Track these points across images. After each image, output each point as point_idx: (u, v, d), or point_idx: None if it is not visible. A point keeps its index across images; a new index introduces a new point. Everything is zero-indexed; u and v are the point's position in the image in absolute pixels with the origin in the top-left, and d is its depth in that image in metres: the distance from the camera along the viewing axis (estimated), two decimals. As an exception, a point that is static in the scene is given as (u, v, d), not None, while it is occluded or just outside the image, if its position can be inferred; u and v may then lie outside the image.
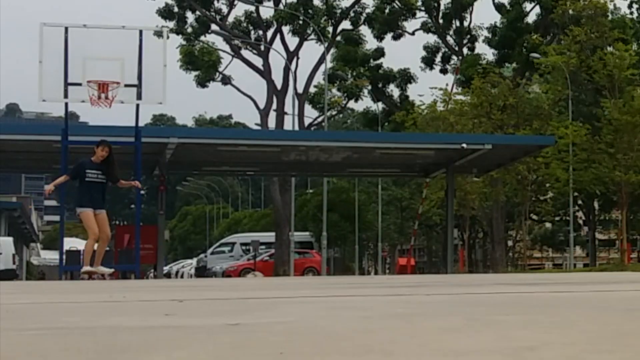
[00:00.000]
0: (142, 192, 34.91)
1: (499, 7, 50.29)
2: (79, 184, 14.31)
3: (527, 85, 45.08)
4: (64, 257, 20.11)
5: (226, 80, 48.65)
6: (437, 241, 66.33)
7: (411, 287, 6.18)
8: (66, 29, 16.61)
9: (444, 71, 52.52)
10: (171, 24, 47.60)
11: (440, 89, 43.13)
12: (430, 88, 43.42)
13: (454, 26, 51.00)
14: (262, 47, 47.82)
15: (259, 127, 48.22)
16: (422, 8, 50.43)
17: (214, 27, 48.16)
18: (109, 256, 26.75)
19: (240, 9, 57.66)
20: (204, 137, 27.02)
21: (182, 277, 55.90)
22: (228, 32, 47.62)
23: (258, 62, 47.89)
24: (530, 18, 49.74)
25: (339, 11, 49.09)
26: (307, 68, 49.03)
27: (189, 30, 48.64)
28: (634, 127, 35.05)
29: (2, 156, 25.22)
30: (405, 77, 52.39)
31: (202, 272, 50.03)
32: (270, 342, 2.29)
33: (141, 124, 19.34)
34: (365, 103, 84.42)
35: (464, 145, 25.73)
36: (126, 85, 16.86)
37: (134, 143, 18.79)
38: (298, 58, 47.82)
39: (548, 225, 72.83)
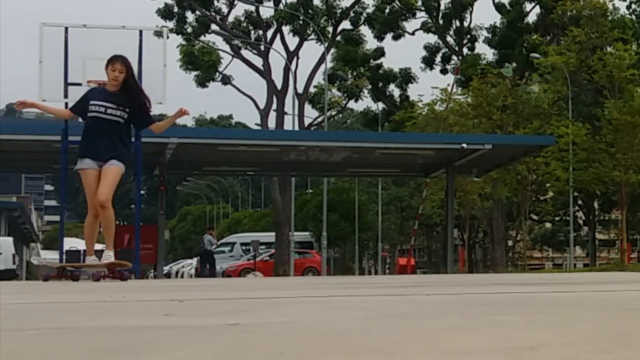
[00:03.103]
0: (142, 192, 34.89)
1: (499, 7, 50.32)
2: None
3: (527, 85, 45.12)
4: (64, 257, 20.07)
5: (226, 80, 48.66)
6: (437, 241, 66.34)
7: (411, 287, 6.17)
8: (66, 29, 16.61)
9: (444, 71, 52.57)
10: (171, 24, 47.62)
11: (441, 89, 43.21)
12: (431, 88, 43.50)
13: (454, 26, 51.03)
14: (262, 47, 47.84)
15: (259, 127, 48.25)
16: (422, 8, 50.47)
17: (214, 27, 48.17)
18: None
19: (240, 9, 57.78)
20: (204, 137, 27.02)
21: (182, 277, 55.88)
22: (228, 32, 47.63)
23: (258, 62, 47.96)
24: (530, 18, 49.83)
25: (339, 11, 49.12)
26: (307, 68, 49.12)
27: (189, 30, 48.65)
28: (634, 127, 35.07)
29: (2, 156, 25.22)
30: (405, 77, 52.43)
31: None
32: (270, 342, 2.29)
33: (141, 124, 19.30)
34: (365, 103, 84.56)
35: (464, 145, 25.73)
36: (126, 85, 16.87)
37: (134, 143, 18.79)
38: (298, 58, 47.87)
39: (548, 225, 72.86)
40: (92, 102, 9.77)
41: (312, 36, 47.98)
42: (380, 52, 52.10)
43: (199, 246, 36.89)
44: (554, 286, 5.99)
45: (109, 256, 9.81)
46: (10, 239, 35.17)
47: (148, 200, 68.28)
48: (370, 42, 52.15)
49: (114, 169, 9.65)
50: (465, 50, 50.95)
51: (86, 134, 9.83)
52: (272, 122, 47.58)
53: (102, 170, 9.64)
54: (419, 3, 50.14)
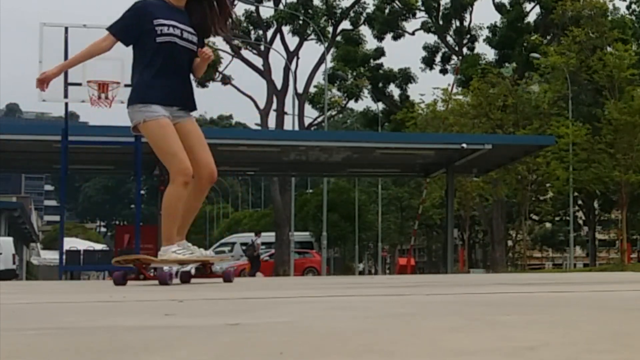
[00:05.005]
0: (142, 192, 34.97)
1: (499, 7, 50.35)
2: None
3: (527, 85, 45.16)
4: (64, 257, 20.08)
5: (226, 80, 48.66)
6: (437, 241, 66.37)
7: (411, 287, 6.17)
8: (66, 29, 16.61)
9: (444, 71, 52.61)
10: (171, 24, 47.58)
11: (442, 89, 43.25)
12: (433, 88, 43.58)
13: (454, 26, 51.05)
14: (262, 47, 47.84)
15: (259, 127, 48.27)
16: (422, 8, 50.51)
17: (214, 27, 48.15)
18: (108, 257, 26.59)
19: (240, 9, 57.71)
20: (204, 137, 26.97)
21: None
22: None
23: (258, 62, 47.99)
24: (531, 18, 49.88)
25: (339, 11, 49.13)
26: (307, 68, 49.21)
27: (189, 30, 48.63)
28: (634, 127, 35.11)
29: (2, 156, 25.22)
30: (405, 77, 52.45)
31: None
32: (270, 342, 2.29)
33: (141, 124, 19.29)
34: (365, 103, 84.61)
35: (464, 145, 25.75)
36: (126, 85, 16.85)
37: (134, 143, 18.79)
38: (298, 58, 47.89)
39: (548, 225, 72.89)
40: (159, 22, 6.78)
41: (312, 36, 48.00)
42: (380, 52, 52.13)
43: (251, 249, 38.34)
44: (554, 286, 5.99)
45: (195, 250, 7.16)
46: (10, 239, 35.19)
47: (148, 200, 68.20)
48: (370, 42, 52.25)
49: (195, 123, 7.16)
50: (465, 50, 50.98)
51: (153, 68, 6.80)
52: (272, 122, 47.61)
53: (188, 128, 6.97)
54: (419, 3, 50.17)
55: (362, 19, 50.32)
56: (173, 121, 6.82)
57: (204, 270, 7.36)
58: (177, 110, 6.88)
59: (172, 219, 6.83)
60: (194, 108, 7.06)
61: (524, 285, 6.17)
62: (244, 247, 52.67)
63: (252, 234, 54.58)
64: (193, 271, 7.34)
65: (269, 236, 48.82)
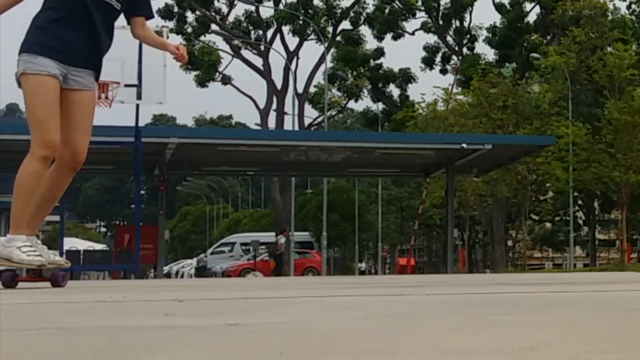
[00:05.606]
0: (142, 192, 35.01)
1: (499, 7, 50.38)
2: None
3: (527, 85, 45.18)
4: (64, 257, 20.05)
5: (226, 80, 48.68)
6: (437, 241, 66.38)
7: (411, 287, 6.17)
8: (66, 29, 16.62)
9: (444, 71, 52.64)
10: (171, 24, 47.67)
11: (443, 88, 43.29)
12: (433, 87, 43.65)
13: (453, 26, 51.08)
14: (262, 47, 47.85)
15: (259, 127, 48.27)
16: (422, 8, 50.54)
17: (214, 27, 48.21)
18: (108, 256, 26.56)
19: (240, 9, 57.89)
20: (204, 137, 27.02)
21: (182, 277, 55.88)
22: (228, 32, 47.66)
23: (258, 62, 48.01)
24: (531, 18, 49.91)
25: (339, 11, 49.16)
26: (307, 68, 49.18)
27: (189, 30, 48.68)
28: (634, 127, 35.12)
29: (2, 156, 25.21)
30: (405, 77, 52.49)
31: (202, 272, 50.06)
32: (270, 342, 2.29)
33: (141, 124, 19.36)
34: (365, 103, 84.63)
35: (464, 145, 25.76)
36: (126, 85, 16.88)
37: (134, 143, 18.81)
38: (298, 58, 47.91)
39: (548, 225, 72.89)
40: None
41: (312, 36, 48.02)
42: (380, 52, 52.16)
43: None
44: (554, 286, 5.99)
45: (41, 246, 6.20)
46: (10, 239, 35.12)
47: (148, 200, 68.27)
48: (370, 42, 52.28)
49: (93, 99, 6.17)
50: (465, 50, 51.00)
51: (52, 13, 5.98)
52: (272, 122, 47.62)
53: (78, 100, 5.96)
54: (419, 3, 50.19)
55: (362, 19, 50.34)
56: (68, 86, 5.92)
57: (33, 272, 6.48)
58: (78, 74, 5.95)
59: (23, 198, 5.91)
60: (93, 73, 6.07)
61: (524, 285, 6.17)
62: (243, 247, 52.73)
63: (253, 234, 54.70)
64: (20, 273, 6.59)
65: (269, 236, 48.81)
